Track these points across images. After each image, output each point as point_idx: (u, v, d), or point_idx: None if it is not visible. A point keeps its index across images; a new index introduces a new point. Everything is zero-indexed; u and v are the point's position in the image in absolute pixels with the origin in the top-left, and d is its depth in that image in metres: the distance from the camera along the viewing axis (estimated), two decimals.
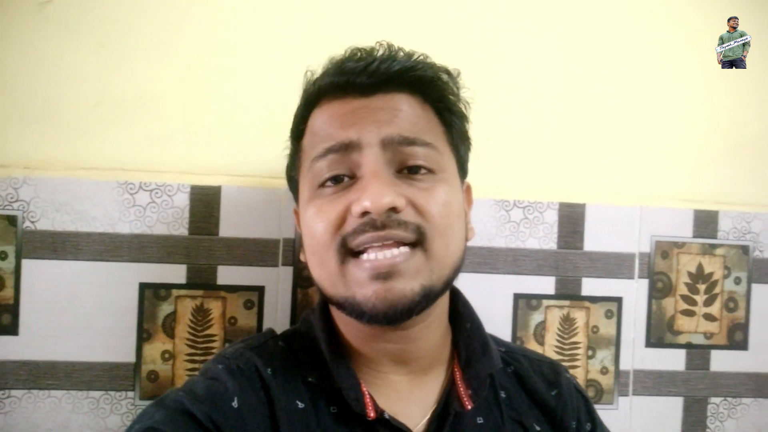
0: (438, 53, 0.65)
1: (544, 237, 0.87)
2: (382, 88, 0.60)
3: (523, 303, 0.86)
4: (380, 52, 0.62)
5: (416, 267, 0.55)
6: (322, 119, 0.61)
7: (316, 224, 0.58)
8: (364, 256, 0.55)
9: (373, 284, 0.55)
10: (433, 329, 0.63)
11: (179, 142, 0.81)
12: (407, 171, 0.58)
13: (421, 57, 0.64)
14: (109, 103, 0.80)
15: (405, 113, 0.60)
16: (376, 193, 0.54)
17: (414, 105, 0.61)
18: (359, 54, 0.63)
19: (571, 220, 0.87)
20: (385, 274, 0.54)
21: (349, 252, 0.56)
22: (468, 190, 0.69)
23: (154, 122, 0.81)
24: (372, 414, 0.57)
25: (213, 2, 0.82)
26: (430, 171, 0.59)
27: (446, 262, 0.58)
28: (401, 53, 0.63)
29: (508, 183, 0.88)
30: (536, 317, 0.86)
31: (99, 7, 0.79)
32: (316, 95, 0.63)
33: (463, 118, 0.66)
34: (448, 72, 0.64)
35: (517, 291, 0.86)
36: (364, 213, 0.55)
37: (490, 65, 0.87)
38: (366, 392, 0.59)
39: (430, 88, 0.63)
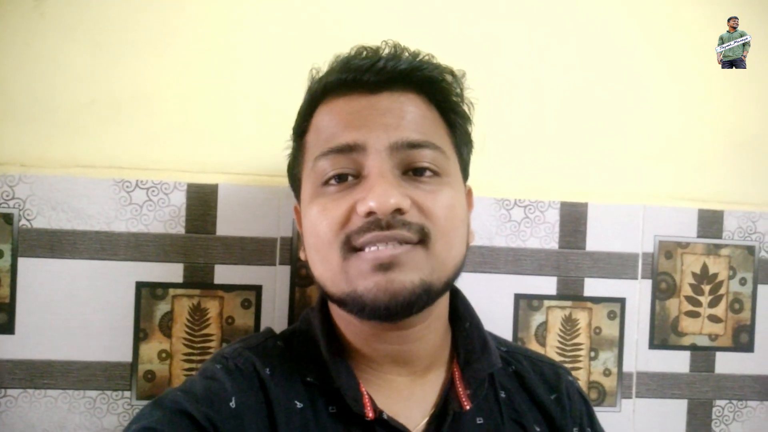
0: (438, 50, 0.64)
1: (546, 236, 0.86)
2: (388, 87, 0.60)
3: (524, 303, 0.85)
4: (386, 51, 0.62)
5: (416, 261, 0.55)
6: (327, 117, 0.61)
7: (321, 222, 0.57)
8: (367, 249, 0.55)
9: (375, 275, 0.54)
10: (433, 329, 0.62)
11: (176, 140, 0.81)
12: (413, 173, 0.58)
13: (427, 57, 0.63)
14: (105, 100, 0.79)
15: (412, 115, 0.59)
16: (382, 193, 0.54)
17: (420, 105, 0.61)
18: (365, 52, 0.62)
19: (573, 219, 0.86)
20: (387, 265, 0.54)
21: (351, 249, 0.56)
22: (469, 193, 0.68)
23: (150, 120, 0.80)
24: (371, 414, 0.57)
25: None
26: (436, 174, 0.59)
27: (447, 264, 0.57)
28: (407, 53, 0.62)
29: (509, 181, 0.87)
30: (537, 318, 0.85)
31: (94, 4, 0.79)
32: (321, 92, 0.62)
33: (466, 119, 0.65)
34: (452, 73, 0.64)
35: (518, 291, 0.85)
36: (370, 213, 0.54)
37: (491, 62, 0.86)
38: (365, 392, 0.59)
39: (436, 88, 0.62)
